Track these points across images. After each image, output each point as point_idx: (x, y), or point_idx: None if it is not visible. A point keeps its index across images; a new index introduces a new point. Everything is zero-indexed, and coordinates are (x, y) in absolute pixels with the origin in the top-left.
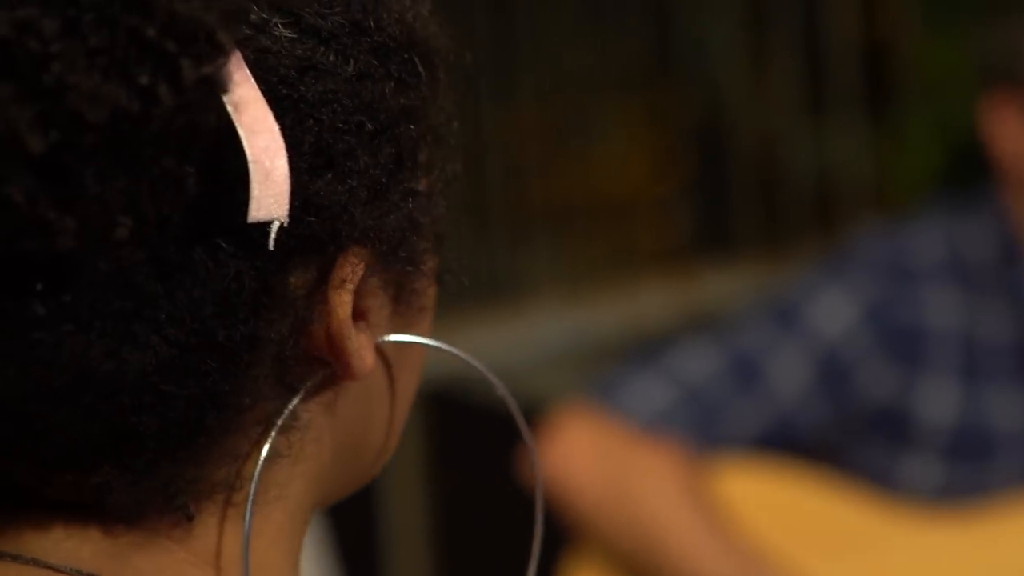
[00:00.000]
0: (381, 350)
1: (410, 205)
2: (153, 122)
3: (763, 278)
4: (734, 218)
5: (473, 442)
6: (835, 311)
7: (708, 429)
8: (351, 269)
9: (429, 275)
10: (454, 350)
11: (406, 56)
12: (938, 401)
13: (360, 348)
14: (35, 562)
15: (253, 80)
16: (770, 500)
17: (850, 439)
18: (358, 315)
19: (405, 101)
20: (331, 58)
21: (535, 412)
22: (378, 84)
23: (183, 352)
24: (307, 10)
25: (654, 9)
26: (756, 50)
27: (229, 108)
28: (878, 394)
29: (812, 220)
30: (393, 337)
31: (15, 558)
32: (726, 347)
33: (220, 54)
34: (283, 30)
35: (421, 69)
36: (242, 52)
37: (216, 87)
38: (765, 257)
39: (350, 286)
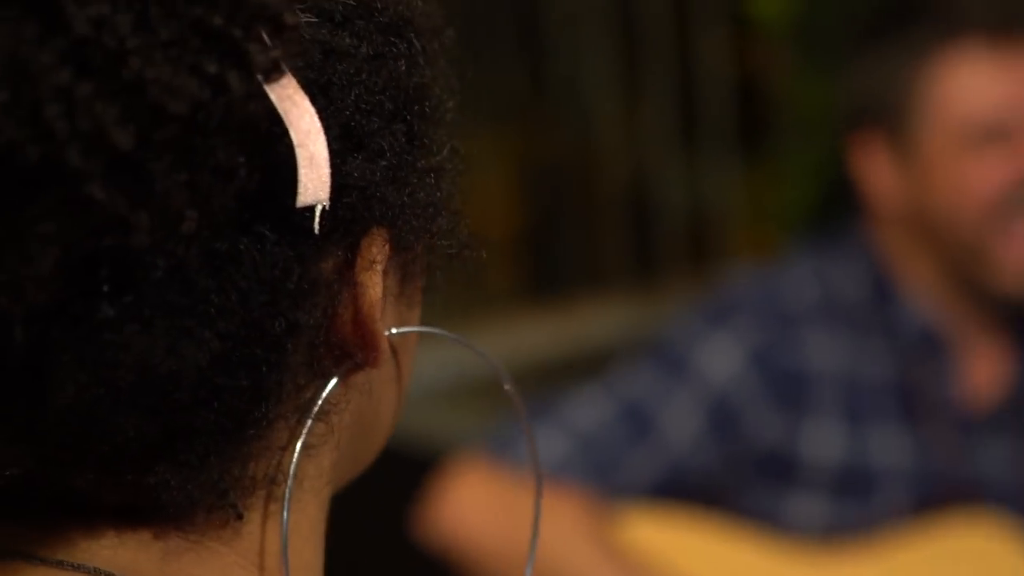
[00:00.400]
0: (388, 337)
1: (429, 183)
2: (222, 111)
3: (634, 312)
4: (605, 252)
5: (369, 488)
6: (721, 358)
7: (604, 479)
8: (378, 249)
9: (426, 254)
10: (451, 335)
11: (410, 35)
12: (822, 442)
13: (382, 333)
14: (96, 571)
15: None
16: (669, 544)
17: (738, 482)
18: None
19: (416, 79)
20: (348, 40)
21: (408, 448)
22: (391, 64)
23: (234, 344)
24: None
25: (527, 42)
26: (629, 84)
27: (274, 94)
28: (765, 438)
29: (683, 255)
30: (405, 328)
31: (76, 567)
32: (617, 396)
33: (284, 38)
34: (304, 15)
35: (422, 49)
36: None
37: (283, 72)
38: (636, 291)
39: (379, 267)
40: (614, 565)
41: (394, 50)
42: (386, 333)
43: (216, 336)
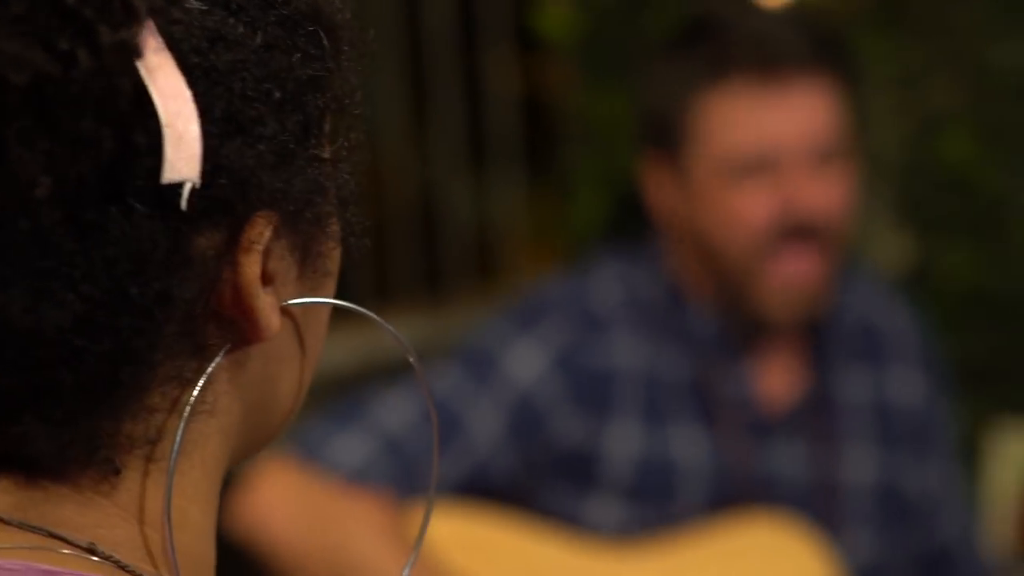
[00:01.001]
0: (288, 312)
1: (316, 171)
2: (72, 85)
3: (422, 328)
4: (393, 268)
5: None
6: (527, 360)
7: (409, 480)
8: (259, 231)
9: (334, 239)
10: (361, 309)
11: (312, 29)
12: (623, 442)
13: (267, 309)
14: None
15: (166, 49)
16: (470, 540)
17: (540, 482)
18: (266, 277)
19: (311, 72)
20: (240, 29)
21: None
22: (285, 55)
23: (98, 309)
24: None
25: None
26: (415, 100)
27: (143, 74)
28: (570, 439)
29: (471, 271)
30: (299, 300)
31: None
32: (424, 397)
33: (134, 20)
34: (194, 2)
35: (326, 41)
36: (155, 22)
37: (131, 52)
38: (424, 308)
39: (258, 248)
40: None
41: (289, 42)
42: (284, 304)
43: (79, 299)
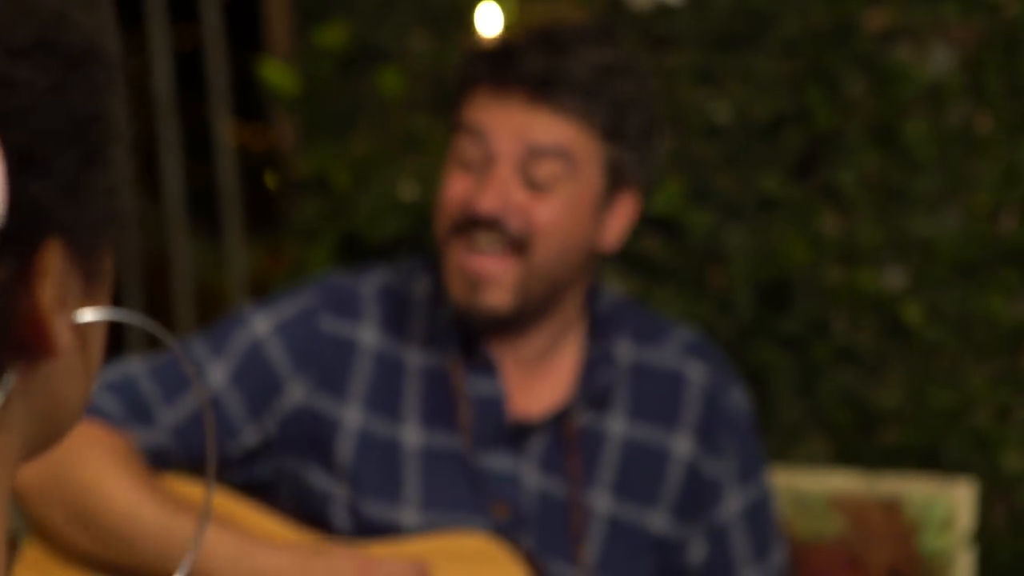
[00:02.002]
0: (75, 329)
1: (101, 198)
2: None
3: None
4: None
5: None
6: (266, 318)
7: (135, 414)
8: (51, 258)
9: (113, 260)
10: (140, 321)
11: (91, 64)
12: (351, 419)
13: (60, 329)
14: None
15: None
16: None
17: (275, 450)
18: (58, 300)
19: (94, 107)
20: (27, 73)
21: None
22: (70, 93)
23: None
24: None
25: None
26: (143, 158)
27: None
28: (298, 400)
29: (196, 325)
30: (87, 317)
31: None
32: (169, 358)
33: None
34: None
35: (104, 76)
36: None
37: None
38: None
39: (50, 273)
40: (141, 483)
41: (72, 80)
42: (74, 323)
43: None
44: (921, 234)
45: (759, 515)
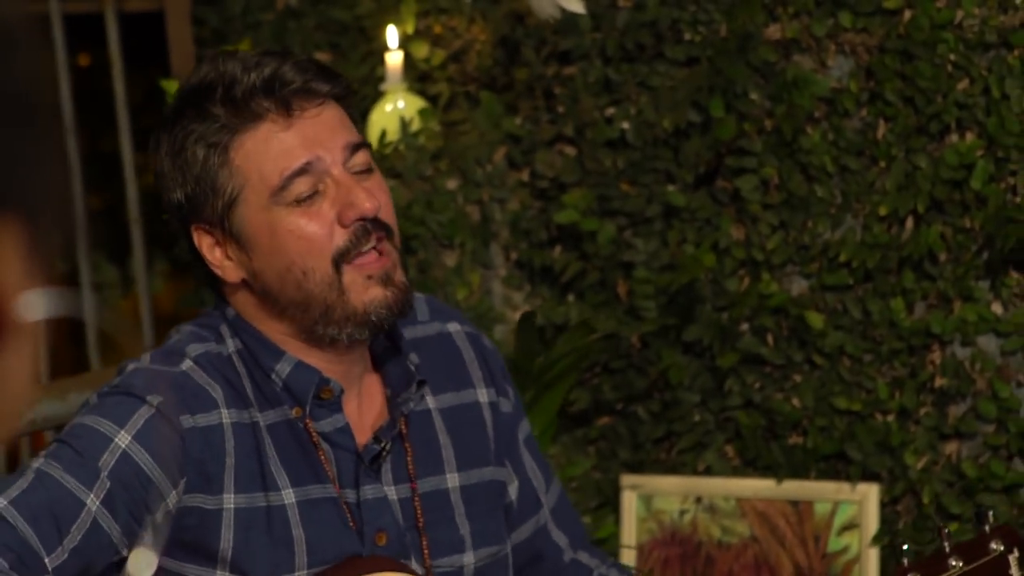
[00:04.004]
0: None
1: (39, 177)
2: None
3: None
4: None
5: None
6: (120, 433)
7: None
8: (10, 240)
9: (53, 237)
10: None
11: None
12: (235, 489)
13: (17, 310)
14: None
15: None
16: None
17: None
18: (15, 281)
19: (22, 87)
20: None
21: None
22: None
23: None
24: None
25: None
26: None
27: None
28: (177, 499)
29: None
30: (37, 302)
31: None
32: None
33: None
34: None
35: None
36: None
37: None
38: None
39: (14, 258)
40: None
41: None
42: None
43: None
44: (822, 241)
45: (533, 438)
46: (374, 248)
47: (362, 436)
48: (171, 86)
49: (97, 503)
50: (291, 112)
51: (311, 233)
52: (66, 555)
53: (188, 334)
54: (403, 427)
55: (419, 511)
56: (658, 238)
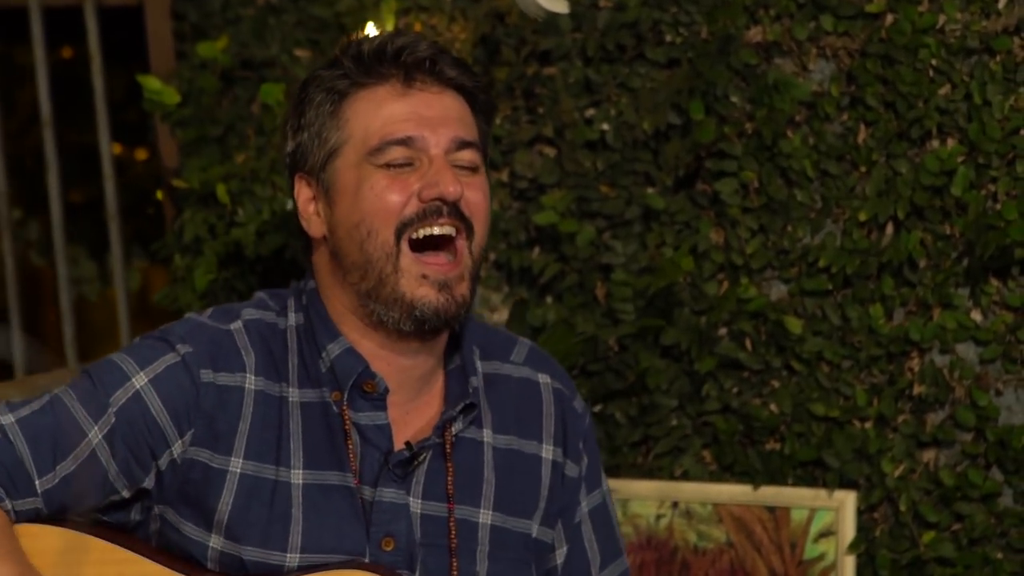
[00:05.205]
0: None
1: None
2: None
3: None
4: None
5: None
6: (140, 375)
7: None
8: None
9: None
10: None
11: None
12: (239, 456)
13: None
14: None
15: None
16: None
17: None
18: None
19: None
20: None
21: None
22: None
23: None
24: None
25: None
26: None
27: None
28: (183, 449)
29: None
30: None
31: None
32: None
33: None
34: None
35: None
36: None
37: None
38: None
39: None
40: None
41: None
42: None
43: None
44: (802, 246)
45: (606, 513)
46: (447, 250)
47: (400, 440)
48: (150, 82)
49: (99, 437)
50: (411, 84)
51: (389, 197)
52: (57, 480)
53: (257, 300)
54: (448, 447)
55: (453, 532)
56: (637, 241)
